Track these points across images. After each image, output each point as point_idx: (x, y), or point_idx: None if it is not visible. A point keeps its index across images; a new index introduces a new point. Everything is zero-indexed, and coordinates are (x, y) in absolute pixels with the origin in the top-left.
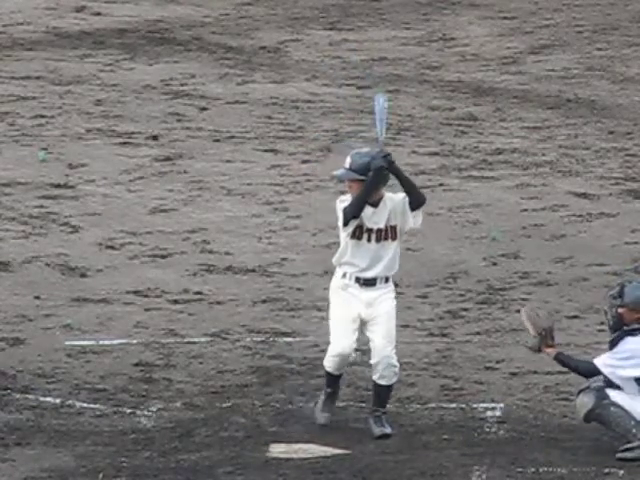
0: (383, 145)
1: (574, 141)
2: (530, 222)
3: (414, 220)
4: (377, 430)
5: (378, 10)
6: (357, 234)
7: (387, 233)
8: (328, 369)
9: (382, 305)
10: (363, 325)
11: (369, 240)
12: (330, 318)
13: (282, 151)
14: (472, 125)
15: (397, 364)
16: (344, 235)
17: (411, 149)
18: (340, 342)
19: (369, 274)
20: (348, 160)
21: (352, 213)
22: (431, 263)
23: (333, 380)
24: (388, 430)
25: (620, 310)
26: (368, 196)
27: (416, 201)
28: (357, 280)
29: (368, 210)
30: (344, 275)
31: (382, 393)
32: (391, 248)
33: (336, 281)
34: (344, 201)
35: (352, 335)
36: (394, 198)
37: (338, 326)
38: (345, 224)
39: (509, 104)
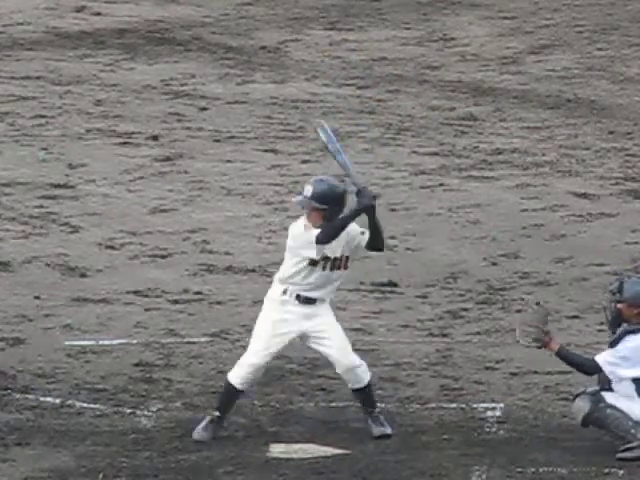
0: (354, 177)
1: (574, 141)
2: (530, 222)
3: (360, 254)
4: (376, 430)
5: (378, 10)
6: (316, 261)
7: (341, 262)
8: (235, 381)
9: (323, 317)
10: (306, 340)
11: (324, 268)
12: (257, 329)
13: (282, 151)
14: (472, 125)
15: (361, 363)
16: (298, 259)
17: (411, 149)
18: (258, 353)
19: (312, 295)
20: (309, 188)
21: (326, 239)
22: (431, 263)
23: (230, 399)
24: (388, 430)
25: (619, 305)
26: (347, 226)
27: (376, 245)
28: (297, 297)
29: None
30: (284, 292)
31: (363, 395)
32: (340, 277)
33: (275, 294)
34: (309, 228)
35: (271, 352)
36: (351, 230)
37: (262, 339)
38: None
39: (509, 104)
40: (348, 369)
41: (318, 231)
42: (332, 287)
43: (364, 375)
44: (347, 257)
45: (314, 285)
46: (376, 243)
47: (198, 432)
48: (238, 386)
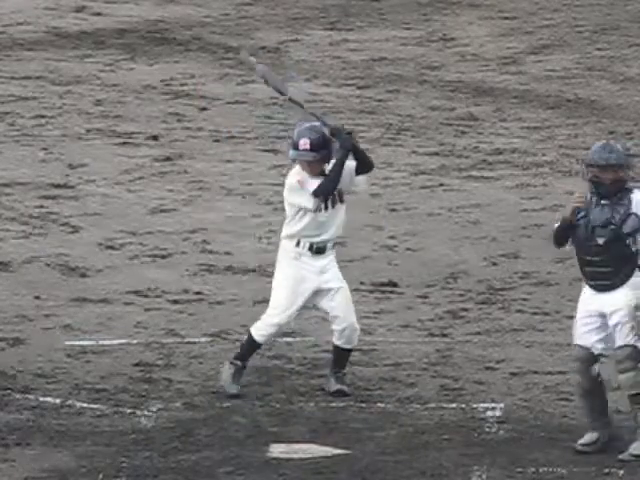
0: (322, 117)
1: (574, 141)
2: (530, 222)
3: (358, 183)
4: (335, 387)
5: (378, 10)
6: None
7: (335, 198)
8: (259, 338)
9: (332, 271)
10: (317, 294)
11: (326, 208)
12: (277, 286)
13: (282, 151)
14: (472, 125)
15: (358, 327)
16: (297, 210)
17: (411, 149)
18: (281, 314)
19: (322, 239)
20: (306, 141)
21: (325, 194)
22: (431, 263)
23: (251, 350)
24: (346, 388)
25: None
26: (340, 175)
27: (365, 168)
28: (310, 248)
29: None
30: (297, 244)
31: (343, 356)
32: (340, 211)
33: (288, 249)
34: (307, 182)
35: (294, 309)
36: (345, 166)
37: (285, 297)
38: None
39: (509, 104)
40: (349, 326)
41: (314, 185)
42: (337, 226)
43: (356, 340)
44: (339, 190)
45: (319, 229)
46: (364, 166)
47: (227, 385)
48: (260, 340)
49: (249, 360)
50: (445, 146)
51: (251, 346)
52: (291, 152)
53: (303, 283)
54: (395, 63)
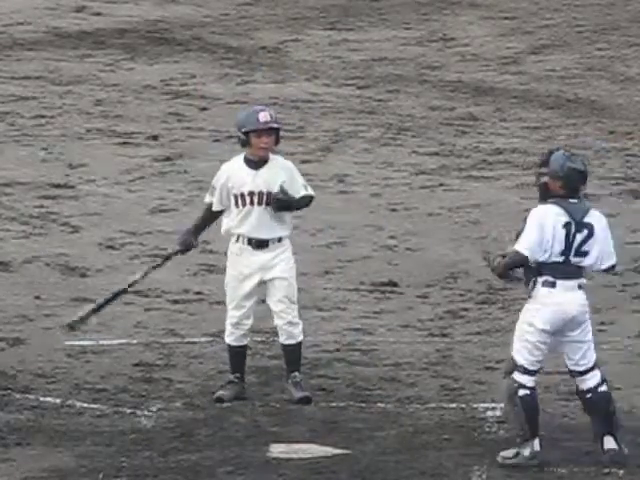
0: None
1: (574, 141)
2: None
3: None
4: (298, 394)
5: (378, 10)
6: (240, 202)
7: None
8: (228, 339)
9: (277, 267)
10: (264, 286)
11: (252, 204)
12: (226, 286)
13: (282, 151)
14: (472, 125)
15: (299, 322)
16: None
17: (411, 149)
18: (234, 313)
19: (261, 236)
20: (266, 114)
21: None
22: (431, 263)
23: (236, 357)
24: (308, 394)
25: (544, 179)
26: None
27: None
28: (249, 242)
29: (250, 173)
30: (237, 239)
31: (290, 354)
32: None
33: (231, 246)
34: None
35: (245, 306)
36: (284, 164)
37: (232, 298)
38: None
39: (509, 104)
40: (283, 324)
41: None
42: (275, 222)
43: (298, 334)
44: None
45: (254, 225)
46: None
47: (220, 392)
48: (232, 343)
49: (243, 372)
50: (445, 146)
51: (230, 352)
52: (251, 125)
53: (245, 281)
54: (395, 63)
